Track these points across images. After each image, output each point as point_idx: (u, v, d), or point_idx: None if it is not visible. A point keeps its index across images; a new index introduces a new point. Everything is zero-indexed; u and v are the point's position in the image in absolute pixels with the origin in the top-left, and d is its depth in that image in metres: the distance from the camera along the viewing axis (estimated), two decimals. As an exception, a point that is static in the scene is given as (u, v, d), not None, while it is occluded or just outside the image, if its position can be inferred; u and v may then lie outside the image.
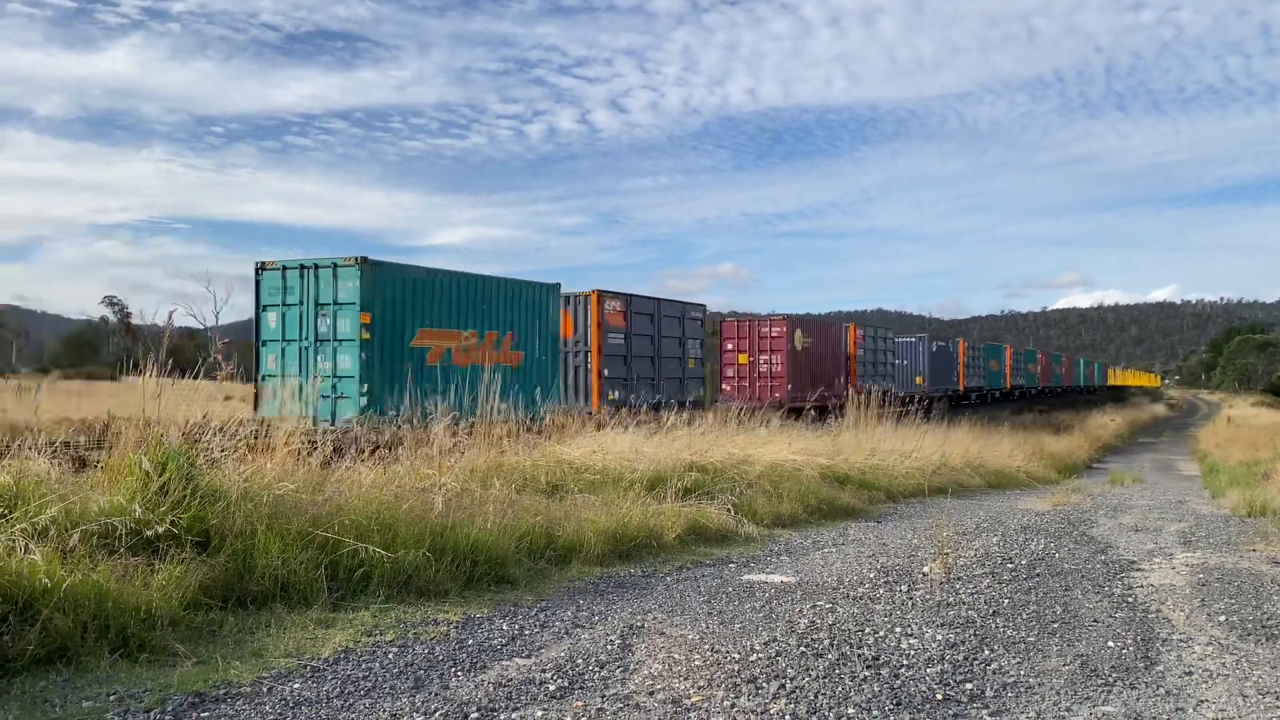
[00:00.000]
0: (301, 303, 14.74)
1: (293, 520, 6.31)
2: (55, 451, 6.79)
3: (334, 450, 8.49)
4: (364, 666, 5.04)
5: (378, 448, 9.30)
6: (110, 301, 68.86)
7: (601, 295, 19.81)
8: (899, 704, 4.57)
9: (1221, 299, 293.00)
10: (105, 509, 5.79)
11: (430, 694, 4.65)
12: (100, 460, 6.73)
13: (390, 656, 5.23)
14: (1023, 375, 53.87)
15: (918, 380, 37.42)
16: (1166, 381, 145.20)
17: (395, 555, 6.40)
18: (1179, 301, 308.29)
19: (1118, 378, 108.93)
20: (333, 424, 13.24)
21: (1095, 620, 6.30)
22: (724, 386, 27.34)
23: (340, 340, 14.41)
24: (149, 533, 5.71)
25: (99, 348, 60.29)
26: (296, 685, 4.73)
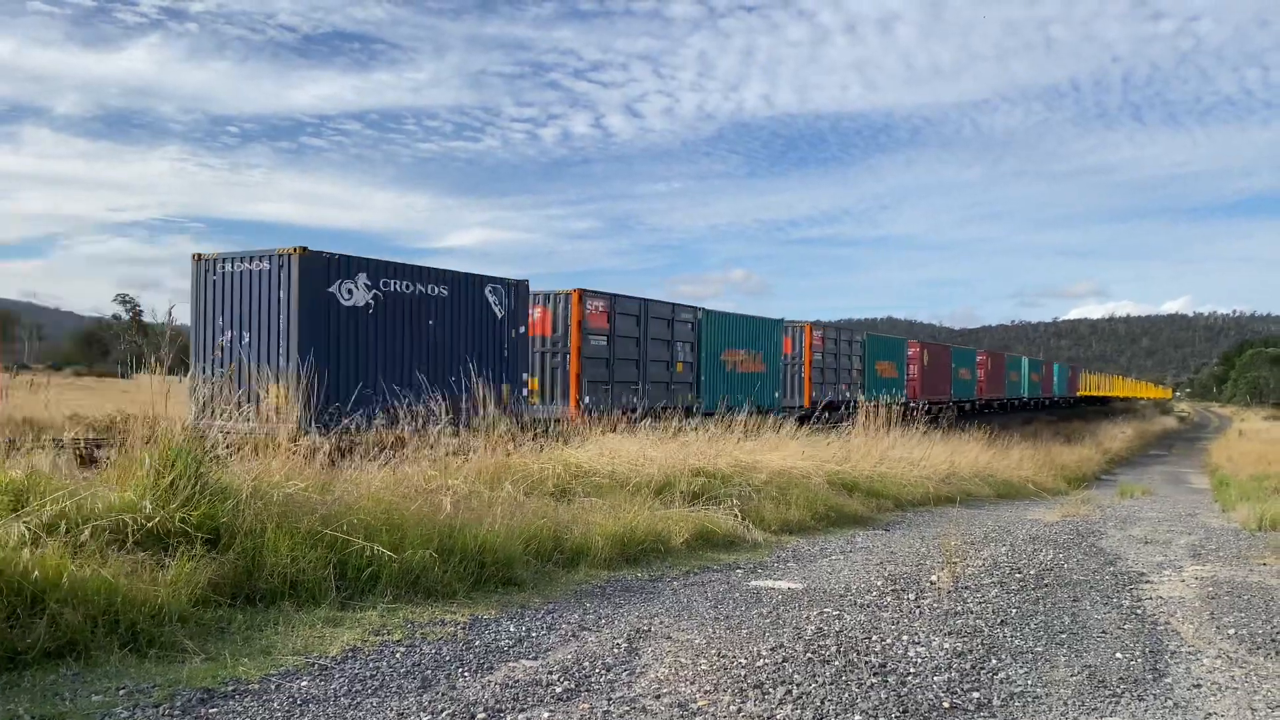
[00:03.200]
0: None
1: (302, 519, 6.34)
2: (66, 447, 6.84)
3: (339, 451, 8.51)
4: (371, 665, 5.06)
5: (384, 448, 9.32)
6: (122, 299, 69.38)
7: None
8: (905, 711, 4.56)
9: (1234, 311, 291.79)
10: (115, 505, 5.83)
11: (437, 694, 4.66)
12: (110, 457, 6.77)
13: (398, 656, 5.24)
14: (838, 385, 28.58)
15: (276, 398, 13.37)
16: (1178, 394, 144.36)
17: (403, 555, 6.42)
18: (1191, 314, 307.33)
19: (1101, 386, 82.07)
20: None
21: (1104, 631, 6.28)
22: None
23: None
24: (150, 524, 5.74)
25: (109, 346, 60.58)
26: (304, 683, 4.75)
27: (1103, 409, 71.82)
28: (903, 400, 30.99)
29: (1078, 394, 68.55)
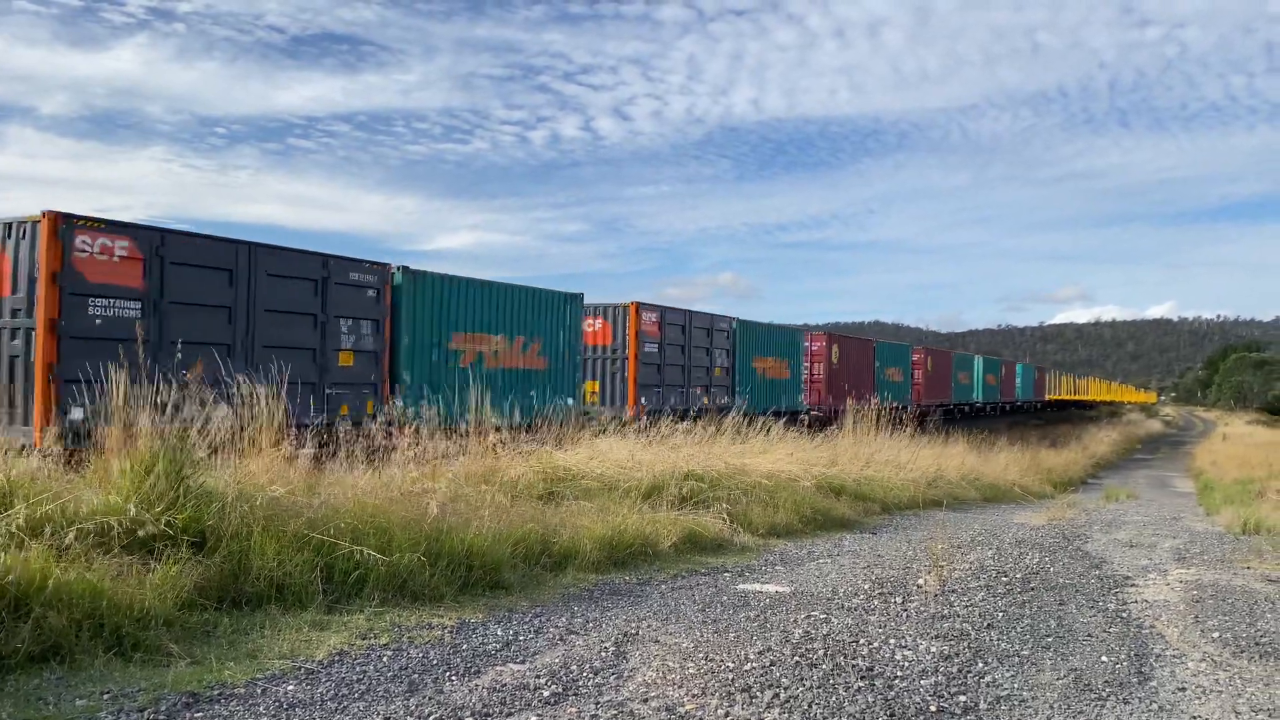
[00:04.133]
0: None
1: (288, 522, 6.31)
2: (51, 450, 6.79)
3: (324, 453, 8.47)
4: (358, 669, 5.04)
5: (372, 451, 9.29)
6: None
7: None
8: (893, 715, 4.57)
9: (1218, 316, 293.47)
10: (99, 508, 5.79)
11: (424, 698, 4.65)
12: (91, 460, 6.72)
13: (384, 660, 5.22)
14: (688, 388, 21.60)
15: None
16: (1163, 398, 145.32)
17: (390, 559, 6.40)
18: (1176, 318, 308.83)
19: (1077, 390, 75.08)
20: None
21: (1089, 635, 6.31)
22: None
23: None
24: (142, 532, 5.70)
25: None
26: (291, 687, 4.73)
27: (1085, 414, 67.74)
28: (801, 409, 24.99)
29: (1046, 398, 62.02)
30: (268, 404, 7.36)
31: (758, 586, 7.69)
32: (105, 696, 4.44)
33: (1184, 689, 5.17)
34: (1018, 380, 53.83)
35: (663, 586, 7.59)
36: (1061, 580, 8.21)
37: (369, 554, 6.31)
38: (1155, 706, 4.86)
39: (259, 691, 4.64)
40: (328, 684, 4.80)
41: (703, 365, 21.77)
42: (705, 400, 21.34)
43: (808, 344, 27.73)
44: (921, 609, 6.86)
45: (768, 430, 14.85)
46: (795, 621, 6.35)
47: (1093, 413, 72.15)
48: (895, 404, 26.84)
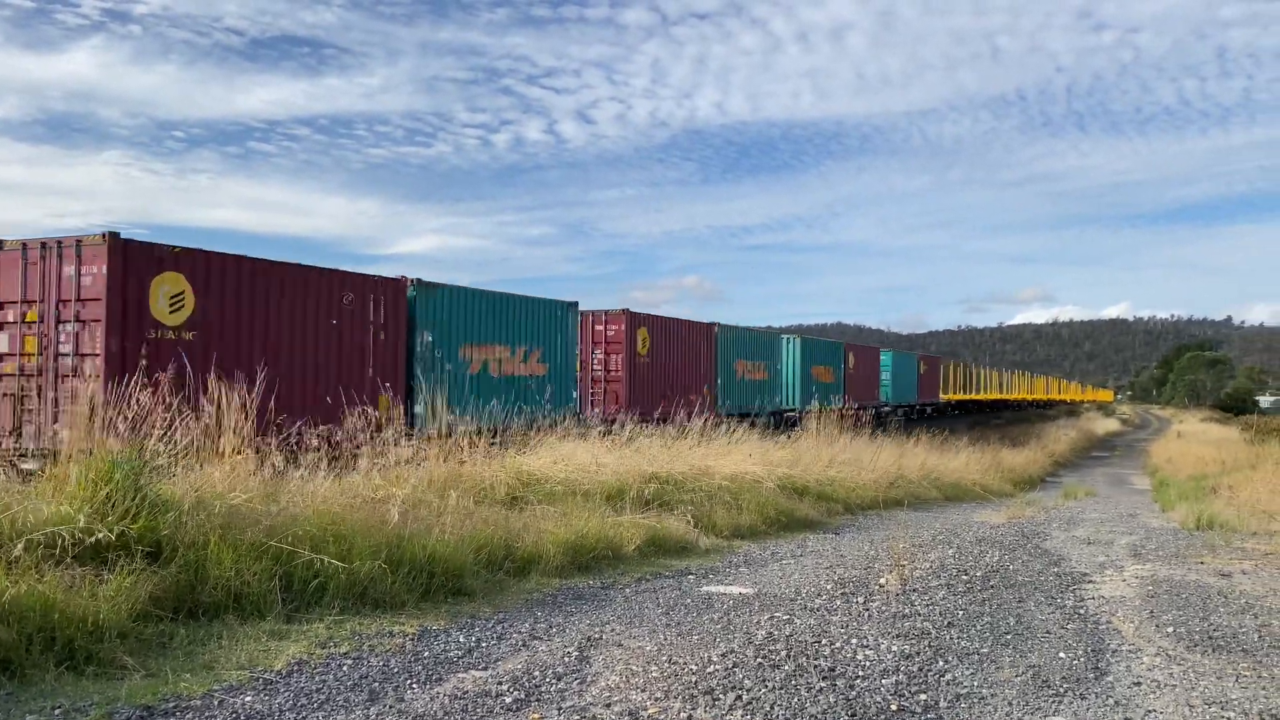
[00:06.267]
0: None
1: (246, 530, 6.23)
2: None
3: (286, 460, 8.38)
4: (318, 679, 4.98)
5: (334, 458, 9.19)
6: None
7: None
8: (854, 715, 4.60)
9: (1173, 316, 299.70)
10: (49, 519, 5.67)
11: (385, 707, 4.60)
12: (44, 468, 6.59)
13: (345, 669, 5.17)
14: None
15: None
16: (1119, 397, 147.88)
17: (351, 566, 6.33)
18: (1131, 319, 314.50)
19: (1006, 387, 59.94)
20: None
21: (1047, 631, 6.39)
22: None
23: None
24: (92, 540, 5.59)
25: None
26: (248, 698, 4.66)
27: (1003, 418, 54.52)
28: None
29: (940, 399, 45.55)
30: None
31: (721, 588, 7.70)
32: (57, 711, 4.35)
33: (1139, 683, 5.25)
34: (884, 376, 37.41)
35: (626, 590, 7.58)
36: (1021, 578, 8.31)
37: (329, 562, 6.24)
38: (1111, 701, 4.93)
39: (215, 703, 4.57)
40: (286, 694, 4.73)
41: None
42: None
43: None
44: (883, 608, 6.91)
45: (733, 431, 14.88)
46: (758, 623, 6.37)
47: (1051, 413, 71.60)
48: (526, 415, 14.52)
